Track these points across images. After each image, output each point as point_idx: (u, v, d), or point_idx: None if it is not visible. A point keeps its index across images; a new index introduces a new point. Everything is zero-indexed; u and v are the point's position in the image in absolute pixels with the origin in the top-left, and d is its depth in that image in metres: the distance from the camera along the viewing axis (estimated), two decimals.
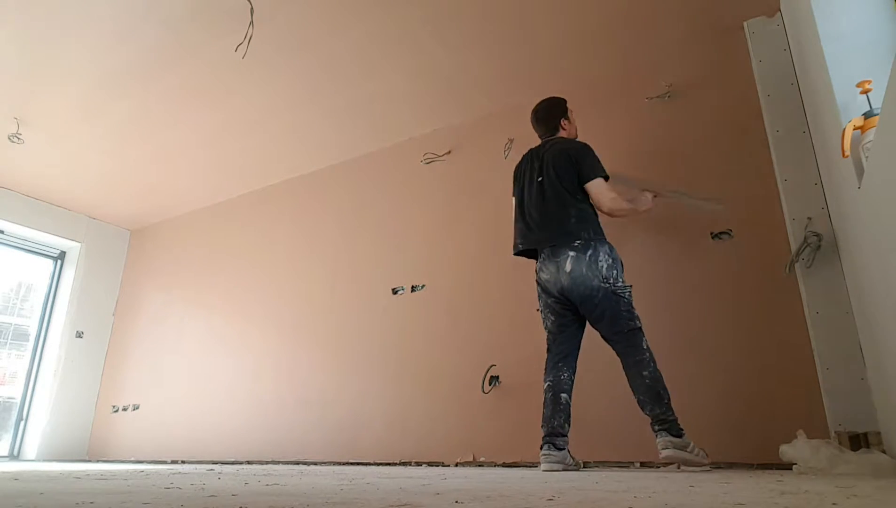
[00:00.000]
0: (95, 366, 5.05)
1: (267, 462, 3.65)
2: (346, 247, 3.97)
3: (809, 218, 2.37)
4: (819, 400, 2.21)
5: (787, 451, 2.03)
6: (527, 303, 3.09)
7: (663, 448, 2.10)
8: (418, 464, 3.11)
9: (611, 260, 2.29)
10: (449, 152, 3.71)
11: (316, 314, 3.93)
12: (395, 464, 3.17)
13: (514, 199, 2.61)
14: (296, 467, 3.06)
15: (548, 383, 2.34)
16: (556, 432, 2.25)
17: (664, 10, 2.79)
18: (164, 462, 4.09)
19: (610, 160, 3.08)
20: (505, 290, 3.19)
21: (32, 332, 4.97)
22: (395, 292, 3.62)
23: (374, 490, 1.34)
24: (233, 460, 3.84)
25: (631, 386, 2.21)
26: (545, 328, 2.44)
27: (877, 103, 1.74)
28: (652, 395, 2.14)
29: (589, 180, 2.41)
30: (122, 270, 5.40)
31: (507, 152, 3.42)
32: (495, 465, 2.88)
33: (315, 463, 3.46)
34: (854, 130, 1.80)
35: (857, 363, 2.14)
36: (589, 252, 2.26)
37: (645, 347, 2.22)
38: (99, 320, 5.12)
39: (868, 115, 1.78)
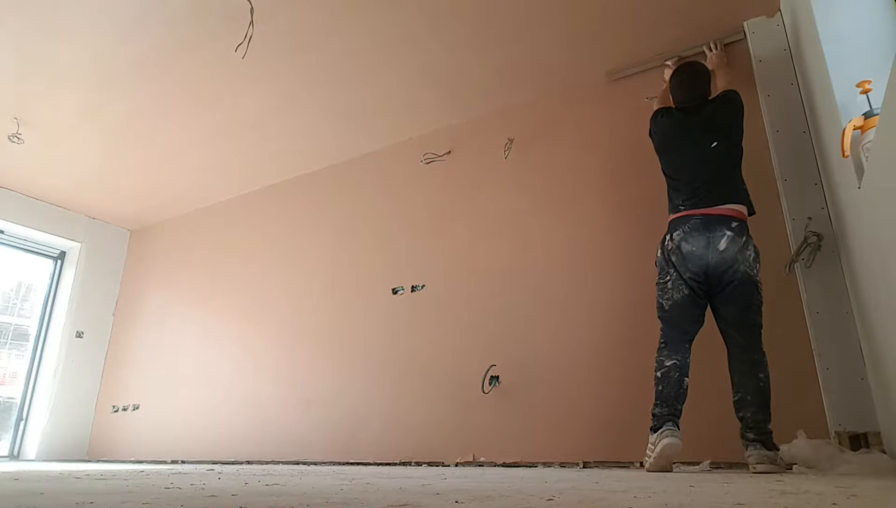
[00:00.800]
0: (95, 366, 5.05)
1: (267, 462, 3.65)
2: (346, 247, 3.97)
3: (809, 218, 2.37)
4: (819, 400, 2.21)
5: (787, 451, 2.03)
6: (527, 303, 3.09)
7: (758, 463, 1.97)
8: (418, 464, 3.11)
9: (756, 252, 2.19)
10: (449, 152, 3.71)
11: (316, 314, 3.93)
12: (394, 464, 3.17)
13: (664, 158, 2.48)
14: (296, 467, 3.06)
15: (674, 361, 2.21)
16: (677, 413, 2.16)
17: (664, 10, 2.79)
18: (164, 462, 4.09)
19: (610, 160, 3.09)
20: (505, 290, 3.19)
21: (32, 332, 4.97)
22: (395, 292, 3.62)
23: (373, 490, 1.34)
24: (233, 460, 3.84)
25: (737, 383, 2.11)
26: (667, 300, 2.28)
27: (877, 103, 1.74)
28: (762, 400, 2.04)
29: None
30: (122, 270, 5.40)
31: (507, 152, 3.42)
32: (495, 465, 2.88)
33: (315, 463, 3.46)
34: (854, 130, 1.80)
35: (857, 363, 2.14)
36: (744, 238, 2.16)
37: (764, 350, 2.13)
38: (99, 320, 5.12)
39: (868, 115, 1.78)
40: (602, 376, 2.75)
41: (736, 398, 2.10)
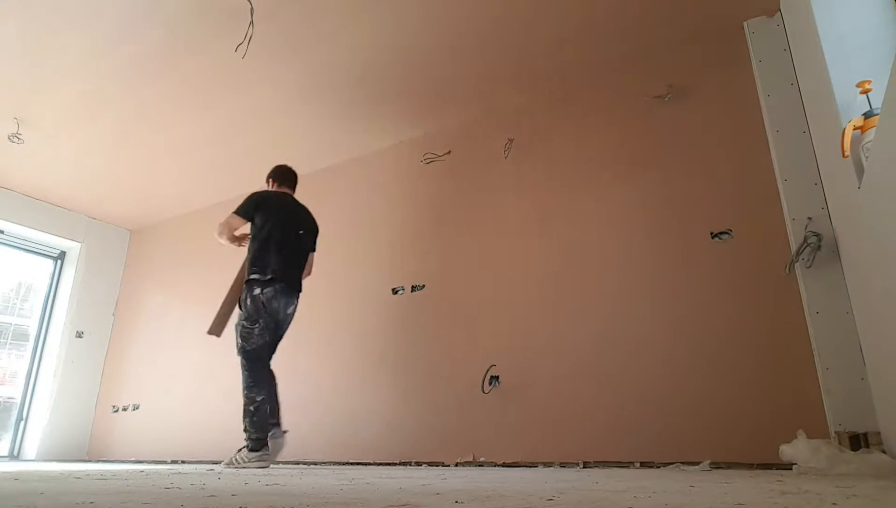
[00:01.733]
0: (95, 366, 5.05)
1: None
2: (346, 247, 3.97)
3: (809, 218, 2.37)
4: (819, 400, 2.21)
5: (787, 451, 2.04)
6: (527, 303, 3.09)
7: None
8: (418, 464, 3.11)
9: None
10: (449, 152, 3.71)
11: (316, 314, 3.93)
12: (395, 464, 3.17)
13: (266, 226, 3.02)
14: (296, 467, 3.06)
15: (263, 396, 2.83)
16: (267, 437, 2.83)
17: (664, 10, 2.79)
18: (164, 462, 4.09)
19: (610, 161, 3.09)
20: (505, 289, 3.19)
21: (32, 332, 4.97)
22: (395, 292, 3.62)
23: (374, 490, 1.34)
24: None
25: (276, 400, 2.92)
26: (252, 344, 2.88)
27: (877, 103, 1.75)
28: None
29: (313, 252, 3.25)
30: (122, 270, 5.40)
31: (507, 152, 3.42)
32: (495, 465, 2.88)
33: (315, 463, 3.46)
34: (854, 130, 1.80)
35: (857, 363, 2.14)
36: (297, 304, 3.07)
37: None
38: (99, 320, 5.12)
39: (868, 115, 1.79)
40: (602, 376, 2.75)
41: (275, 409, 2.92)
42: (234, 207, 4.73)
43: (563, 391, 2.83)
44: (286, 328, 3.05)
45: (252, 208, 3.06)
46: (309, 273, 3.24)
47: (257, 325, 2.88)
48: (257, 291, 2.89)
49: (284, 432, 2.94)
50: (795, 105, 2.57)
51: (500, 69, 3.23)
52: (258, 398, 2.80)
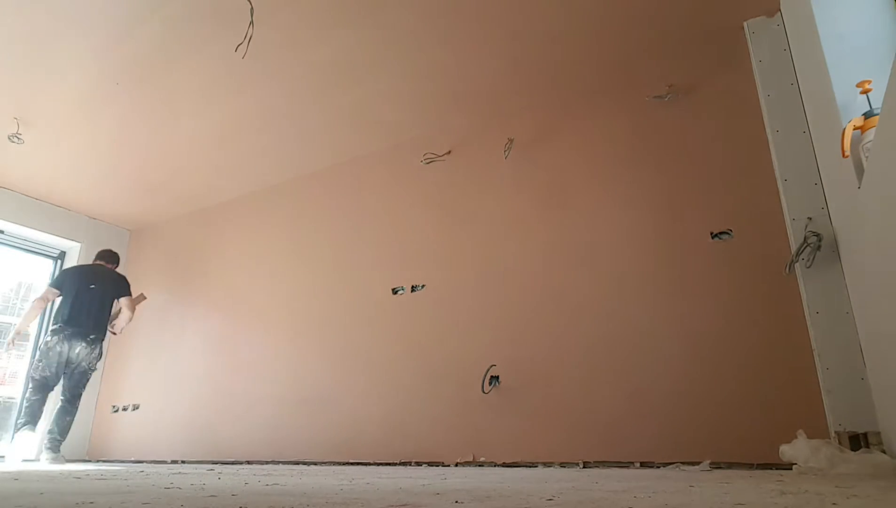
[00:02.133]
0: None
1: (267, 462, 3.65)
2: (346, 247, 3.97)
3: (809, 218, 2.37)
4: (819, 400, 2.21)
5: (787, 451, 2.04)
6: (527, 303, 3.10)
7: (55, 460, 3.73)
8: (418, 464, 3.11)
9: (101, 354, 4.06)
10: (449, 152, 3.71)
11: (316, 314, 3.93)
12: (395, 464, 3.17)
13: (63, 290, 4.02)
14: (296, 467, 3.06)
15: (38, 397, 3.80)
16: (36, 422, 3.78)
17: (665, 10, 2.79)
18: (164, 462, 4.09)
19: (610, 161, 3.09)
20: (505, 290, 3.19)
21: (32, 332, 4.96)
22: (395, 292, 3.62)
23: (374, 490, 1.34)
24: (233, 460, 3.84)
25: (58, 421, 3.84)
26: (40, 375, 3.82)
27: (877, 103, 1.75)
28: (66, 431, 3.90)
29: (125, 296, 4.25)
30: (121, 270, 5.38)
31: (507, 152, 3.42)
32: (495, 465, 2.88)
33: (315, 463, 3.46)
34: (854, 130, 1.80)
35: (857, 363, 2.14)
36: (97, 347, 4.00)
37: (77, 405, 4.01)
38: None
39: (868, 115, 1.79)
40: (602, 376, 2.75)
41: (53, 426, 3.81)
42: (236, 205, 4.80)
43: (562, 391, 2.84)
44: (85, 366, 3.92)
45: (59, 280, 4.13)
46: (131, 310, 4.22)
47: (42, 363, 3.84)
48: (48, 337, 3.91)
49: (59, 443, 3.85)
50: (795, 105, 2.57)
51: (500, 69, 3.23)
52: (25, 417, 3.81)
